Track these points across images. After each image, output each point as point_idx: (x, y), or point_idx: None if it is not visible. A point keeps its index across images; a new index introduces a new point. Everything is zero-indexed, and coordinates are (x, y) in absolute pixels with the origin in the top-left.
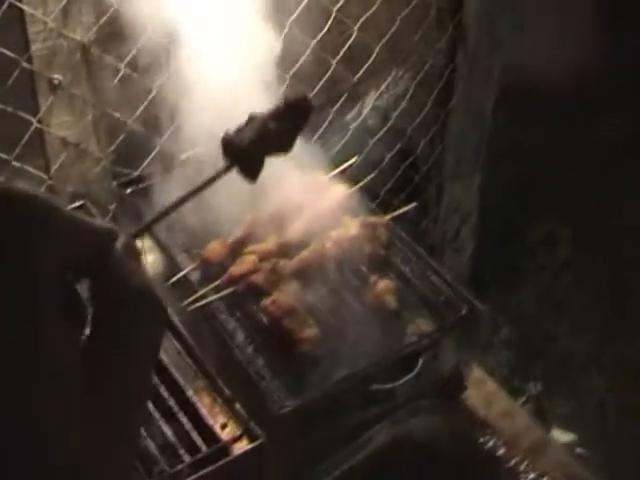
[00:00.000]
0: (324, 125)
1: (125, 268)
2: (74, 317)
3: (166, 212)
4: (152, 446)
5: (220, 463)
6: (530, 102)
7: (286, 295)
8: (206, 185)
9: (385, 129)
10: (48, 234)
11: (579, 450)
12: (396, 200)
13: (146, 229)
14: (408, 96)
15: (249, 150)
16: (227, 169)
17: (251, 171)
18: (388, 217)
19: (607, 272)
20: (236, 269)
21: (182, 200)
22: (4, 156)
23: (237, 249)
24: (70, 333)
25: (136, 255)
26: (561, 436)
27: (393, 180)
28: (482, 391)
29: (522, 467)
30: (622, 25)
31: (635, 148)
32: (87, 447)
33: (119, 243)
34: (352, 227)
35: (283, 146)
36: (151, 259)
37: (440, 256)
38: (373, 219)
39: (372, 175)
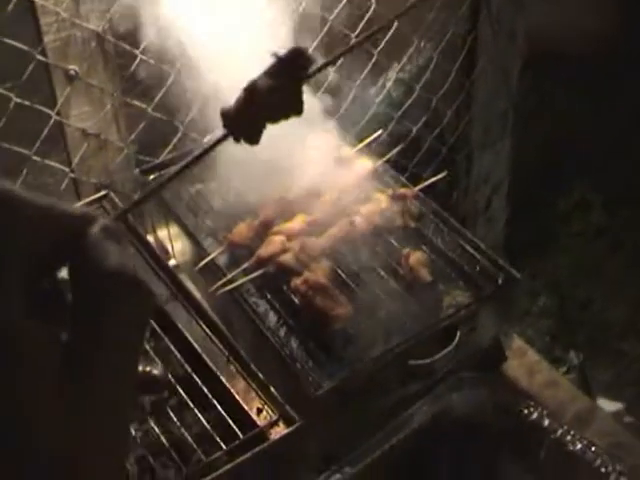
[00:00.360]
0: (348, 100)
1: (101, 251)
2: (51, 308)
3: (159, 188)
4: (188, 435)
5: (257, 449)
6: (556, 66)
7: (316, 273)
8: (201, 156)
9: (410, 101)
10: (9, 226)
11: (627, 419)
12: (425, 173)
13: (135, 206)
14: (431, 66)
15: (241, 114)
16: (222, 138)
17: (248, 135)
18: (417, 188)
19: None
20: (264, 250)
21: (176, 174)
22: (25, 151)
23: (264, 230)
24: (42, 328)
25: (116, 238)
26: (607, 405)
27: (421, 153)
28: (523, 361)
29: (568, 438)
30: None
31: None
32: (72, 437)
33: (96, 226)
34: (381, 201)
35: (288, 105)
36: (178, 246)
37: (473, 227)
38: (402, 191)
39: (398, 148)
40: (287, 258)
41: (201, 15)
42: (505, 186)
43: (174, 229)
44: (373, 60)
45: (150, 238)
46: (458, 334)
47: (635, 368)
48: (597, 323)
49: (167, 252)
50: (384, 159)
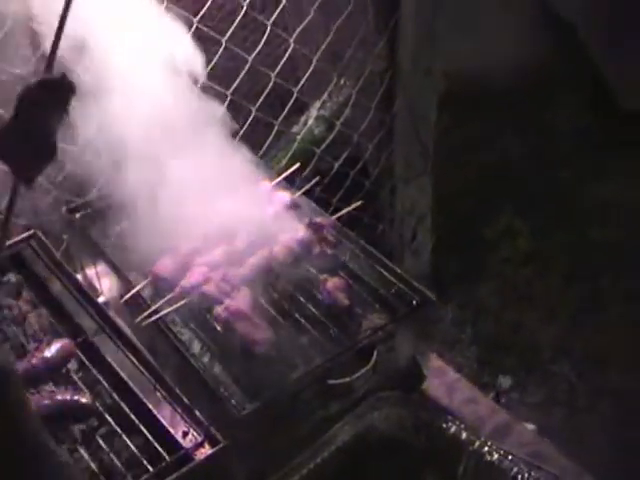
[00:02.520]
0: (270, 138)
1: None
2: None
3: None
4: (117, 461)
5: (183, 470)
6: (478, 100)
7: (237, 301)
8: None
9: (331, 137)
10: None
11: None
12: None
13: None
14: (351, 103)
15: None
16: None
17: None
18: (334, 217)
19: (569, 260)
20: (187, 281)
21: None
22: None
23: (187, 262)
24: None
25: None
26: None
27: (345, 187)
28: (443, 380)
29: (486, 449)
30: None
31: (583, 137)
32: None
33: None
34: (299, 230)
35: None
36: (107, 283)
37: (399, 259)
38: (319, 220)
39: (314, 181)
40: (209, 288)
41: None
42: (429, 218)
43: (102, 267)
44: (294, 98)
45: (79, 276)
46: (375, 354)
47: (564, 389)
48: (527, 347)
49: (95, 289)
50: (301, 191)
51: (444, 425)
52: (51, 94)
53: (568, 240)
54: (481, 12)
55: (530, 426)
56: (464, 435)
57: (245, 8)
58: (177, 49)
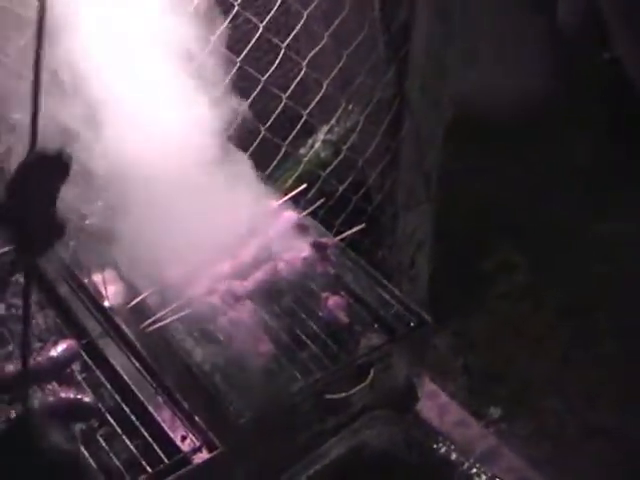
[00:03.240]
0: (277, 158)
1: None
2: None
3: None
4: (117, 461)
5: (180, 472)
6: (483, 131)
7: (241, 313)
8: None
9: (336, 162)
10: None
11: None
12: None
13: None
14: (358, 129)
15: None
16: None
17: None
18: (337, 239)
19: (564, 297)
20: (192, 291)
21: None
22: None
23: (193, 273)
24: None
25: None
26: None
27: (348, 211)
28: (436, 403)
29: (474, 471)
30: (569, 53)
31: (585, 173)
32: None
33: None
34: (303, 249)
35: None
36: (112, 289)
37: (398, 284)
38: (323, 240)
39: (320, 202)
40: (213, 299)
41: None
42: (428, 246)
43: (109, 273)
44: (302, 120)
45: (86, 281)
46: (372, 372)
47: (553, 423)
48: (518, 379)
49: (102, 295)
50: (307, 212)
51: (435, 445)
52: (49, 171)
53: (565, 275)
54: (491, 43)
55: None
56: (454, 456)
57: (261, 30)
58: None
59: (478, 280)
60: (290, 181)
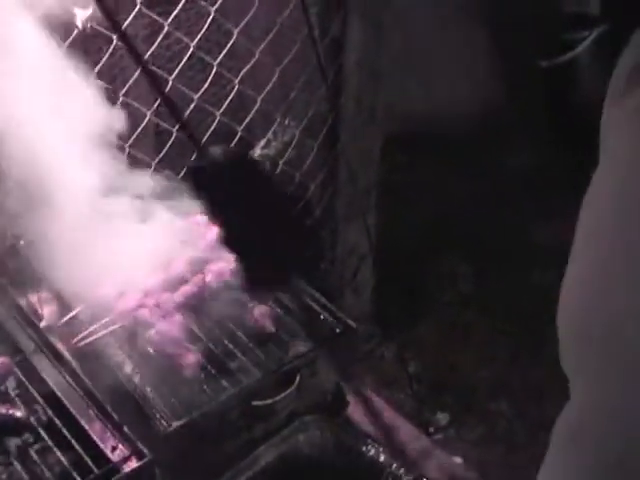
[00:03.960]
0: None
1: None
2: None
3: None
4: (50, 475)
5: None
6: (429, 143)
7: (169, 326)
8: None
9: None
10: None
11: None
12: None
13: None
14: (294, 143)
15: None
16: None
17: None
18: None
19: (508, 303)
20: (123, 306)
21: None
22: None
23: (123, 289)
24: None
25: None
26: None
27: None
28: (368, 408)
29: (402, 471)
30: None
31: (530, 182)
32: None
33: None
34: (230, 260)
35: None
36: (47, 308)
37: (340, 297)
38: None
39: None
40: (143, 312)
41: None
42: (370, 258)
43: (44, 292)
44: (237, 136)
45: (21, 301)
46: (298, 378)
47: (502, 426)
48: (465, 385)
49: (37, 313)
50: None
51: (364, 448)
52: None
53: (509, 283)
54: (432, 54)
55: (457, 459)
56: (382, 458)
57: (192, 49)
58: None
59: (423, 290)
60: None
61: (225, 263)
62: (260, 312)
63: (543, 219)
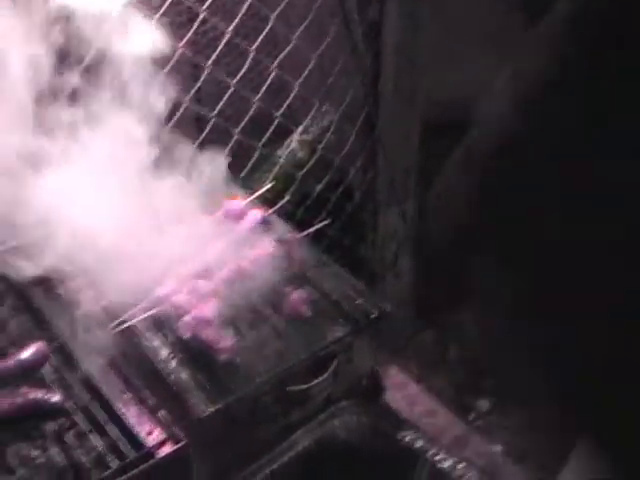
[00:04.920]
0: (252, 160)
1: None
2: None
3: None
4: (85, 459)
5: (144, 466)
6: (462, 129)
7: (205, 311)
8: None
9: (312, 161)
10: None
11: None
12: (331, 230)
13: None
14: (333, 128)
15: None
16: None
17: None
18: (301, 235)
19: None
20: (159, 291)
21: None
22: None
23: (160, 274)
24: None
25: None
26: None
27: (327, 210)
28: (405, 393)
29: (439, 457)
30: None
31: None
32: None
33: None
34: (268, 246)
35: None
36: (85, 294)
37: (381, 282)
38: (287, 237)
39: (286, 199)
40: (179, 298)
41: None
42: (411, 242)
43: (81, 279)
44: (276, 122)
45: (59, 287)
46: (334, 363)
47: (542, 413)
48: (506, 372)
49: (74, 299)
50: (273, 209)
51: (401, 434)
52: None
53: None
54: (468, 43)
55: (496, 446)
56: (420, 444)
57: (229, 35)
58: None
59: (464, 274)
60: (266, 182)
61: (262, 249)
62: (297, 297)
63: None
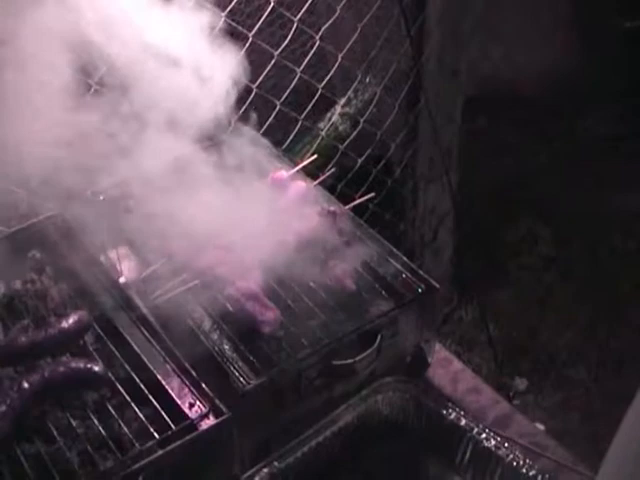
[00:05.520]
0: (294, 132)
1: None
2: None
3: None
4: (127, 430)
5: (186, 438)
6: (506, 105)
7: (248, 282)
8: None
9: (354, 134)
10: None
11: None
12: (371, 204)
13: None
14: (376, 101)
15: None
16: None
17: None
18: (347, 207)
19: (589, 268)
20: (202, 262)
21: None
22: None
23: (202, 245)
24: None
25: None
26: None
27: (367, 184)
28: (448, 370)
29: (483, 435)
30: (592, 27)
31: (609, 145)
32: None
33: None
34: (312, 218)
35: None
36: (126, 263)
37: (420, 257)
38: (332, 208)
39: (331, 171)
40: (222, 269)
41: None
42: (451, 218)
43: (123, 248)
44: (317, 95)
45: (100, 256)
46: (379, 338)
47: (580, 393)
48: (544, 351)
49: (115, 269)
50: (317, 182)
51: (444, 411)
52: None
53: (589, 247)
54: (511, 16)
55: (540, 426)
56: (463, 422)
57: (272, 4)
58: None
59: (502, 252)
60: (308, 155)
61: (306, 221)
62: (342, 270)
63: (624, 185)
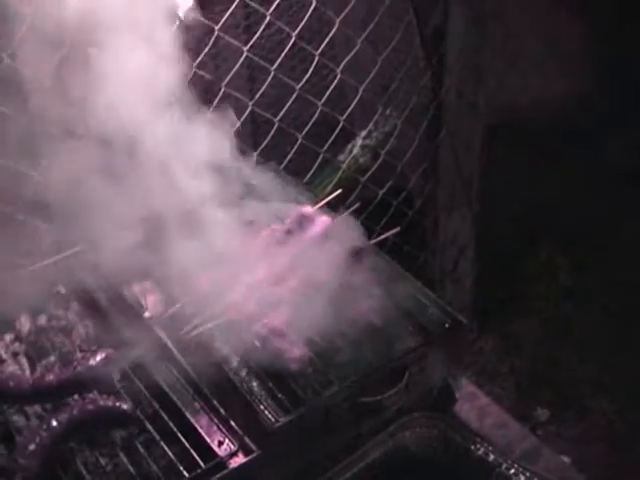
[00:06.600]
0: (315, 165)
1: None
2: None
3: None
4: (155, 467)
5: (215, 476)
6: (525, 136)
7: (275, 319)
8: None
9: (375, 166)
10: None
11: None
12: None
13: None
14: (396, 133)
15: None
16: None
17: None
18: (371, 242)
19: (609, 297)
20: (229, 299)
21: None
22: None
23: (229, 281)
24: None
25: None
26: None
27: (388, 216)
28: (475, 404)
29: (512, 471)
30: (611, 56)
31: (629, 174)
32: None
33: None
34: (338, 253)
35: None
36: (151, 298)
37: (441, 288)
38: (358, 244)
39: (356, 205)
40: (249, 306)
41: None
42: (472, 249)
43: (147, 284)
44: (339, 128)
45: (125, 292)
46: (407, 374)
47: (602, 424)
48: (565, 381)
49: (141, 305)
50: (344, 214)
51: (473, 447)
52: None
53: (607, 276)
54: (529, 46)
55: (565, 459)
56: (492, 457)
57: (294, 38)
58: None
59: (522, 282)
60: (329, 188)
61: (332, 256)
62: (369, 306)
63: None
